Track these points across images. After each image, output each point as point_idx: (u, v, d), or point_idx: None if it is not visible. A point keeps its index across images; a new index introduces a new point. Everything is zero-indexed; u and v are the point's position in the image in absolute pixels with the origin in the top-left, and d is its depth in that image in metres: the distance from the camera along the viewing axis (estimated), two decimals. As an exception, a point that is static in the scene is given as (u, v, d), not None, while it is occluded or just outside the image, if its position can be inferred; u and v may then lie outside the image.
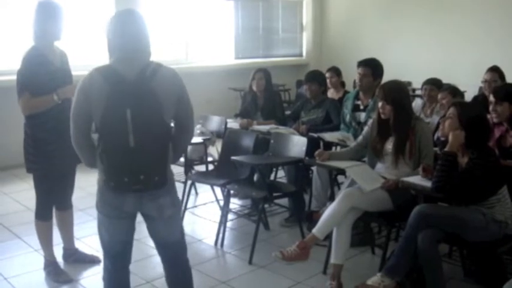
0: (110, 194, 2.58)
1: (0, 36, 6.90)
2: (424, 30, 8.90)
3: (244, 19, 9.40)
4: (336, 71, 6.09)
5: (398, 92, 3.78)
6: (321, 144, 4.26)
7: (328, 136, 4.70)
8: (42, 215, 3.84)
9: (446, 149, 3.16)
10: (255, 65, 9.19)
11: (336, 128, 5.00)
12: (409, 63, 8.86)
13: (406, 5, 9.11)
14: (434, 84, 5.11)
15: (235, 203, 5.31)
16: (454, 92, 4.57)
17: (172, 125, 2.66)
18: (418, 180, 3.37)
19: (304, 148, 4.27)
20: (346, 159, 3.92)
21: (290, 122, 5.37)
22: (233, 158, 4.25)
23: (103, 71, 2.52)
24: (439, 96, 4.68)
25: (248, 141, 4.69)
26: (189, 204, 5.28)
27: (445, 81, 5.35)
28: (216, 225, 4.53)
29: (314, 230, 3.55)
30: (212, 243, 4.47)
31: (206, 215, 5.16)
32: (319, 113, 5.24)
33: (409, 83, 8.17)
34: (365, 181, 3.57)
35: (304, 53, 10.41)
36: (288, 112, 5.73)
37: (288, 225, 4.77)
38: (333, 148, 4.82)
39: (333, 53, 9.93)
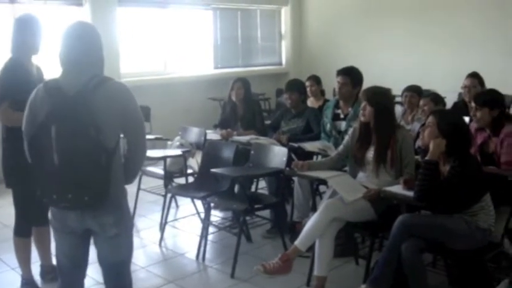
0: (53, 207, 2.56)
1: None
2: (402, 37, 8.92)
3: (222, 28, 9.34)
4: (315, 80, 6.06)
5: (382, 96, 3.77)
6: (292, 155, 4.19)
7: (309, 146, 4.65)
8: (22, 232, 3.75)
9: (427, 157, 3.12)
10: (235, 74, 9.17)
11: (317, 138, 4.95)
12: (389, 70, 8.86)
13: (385, 13, 9.13)
14: (414, 91, 5.10)
15: (216, 216, 5.24)
16: (436, 99, 4.57)
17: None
18: (399, 189, 3.33)
19: (284, 159, 4.21)
20: (327, 169, 3.87)
21: (270, 132, 5.32)
22: (212, 170, 4.17)
23: (48, 85, 2.50)
24: (421, 102, 4.67)
25: (228, 153, 4.63)
26: (170, 218, 5.19)
27: (424, 87, 5.36)
28: (198, 239, 4.45)
29: (296, 242, 3.50)
30: (194, 257, 4.39)
31: (187, 228, 5.08)
32: (299, 123, 5.20)
33: (389, 90, 8.16)
34: (346, 191, 3.53)
35: (283, 62, 10.37)
36: (268, 122, 5.68)
37: (270, 236, 4.71)
38: (314, 158, 4.77)
39: (313, 61, 9.92)
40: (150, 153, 4.90)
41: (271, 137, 5.14)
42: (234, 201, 4.26)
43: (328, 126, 4.83)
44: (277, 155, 4.32)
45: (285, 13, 10.22)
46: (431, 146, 3.13)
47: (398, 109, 5.46)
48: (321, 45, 9.99)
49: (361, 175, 3.83)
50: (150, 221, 5.32)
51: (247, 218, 4.77)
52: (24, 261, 3.79)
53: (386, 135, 3.67)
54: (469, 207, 3.15)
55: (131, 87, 7.16)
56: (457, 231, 3.11)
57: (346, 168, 3.99)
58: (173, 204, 5.62)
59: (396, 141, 3.65)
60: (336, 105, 4.82)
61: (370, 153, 3.73)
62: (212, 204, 4.61)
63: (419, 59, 8.71)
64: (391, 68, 8.88)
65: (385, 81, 7.68)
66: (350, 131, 3.97)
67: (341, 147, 3.96)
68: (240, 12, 9.60)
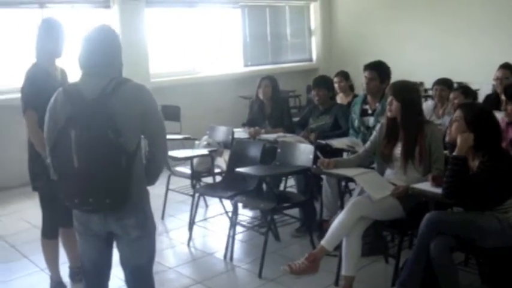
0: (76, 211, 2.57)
1: (1, 54, 6.88)
2: (434, 29, 8.73)
3: (251, 26, 9.31)
4: (344, 75, 5.97)
5: (409, 91, 3.68)
6: (318, 153, 4.11)
7: (337, 142, 4.57)
8: (49, 233, 3.80)
9: (454, 153, 3.02)
10: (264, 72, 9.13)
11: (345, 134, 4.87)
12: (420, 63, 8.70)
13: (414, 5, 8.95)
14: (444, 84, 4.97)
15: (245, 215, 5.20)
16: (466, 91, 4.44)
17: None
18: (428, 186, 3.23)
19: (311, 156, 4.15)
20: (354, 166, 3.79)
21: (298, 130, 5.26)
22: (237, 169, 4.15)
23: (68, 89, 2.53)
24: (451, 96, 4.54)
25: (255, 151, 4.59)
26: (199, 217, 5.21)
27: (457, 80, 5.22)
28: (226, 238, 4.42)
29: (323, 242, 3.44)
30: (222, 257, 4.37)
31: (216, 228, 5.06)
32: (327, 119, 5.12)
33: (421, 84, 8.02)
34: (374, 189, 3.45)
35: (313, 58, 10.29)
36: (296, 119, 5.62)
37: (298, 235, 4.65)
38: (345, 154, 4.68)
39: (343, 56, 9.79)
40: (177, 153, 4.94)
41: (299, 135, 5.08)
42: (261, 200, 4.22)
43: (356, 122, 4.75)
44: (304, 152, 4.26)
45: (314, 8, 10.12)
46: (458, 141, 3.02)
47: (429, 103, 5.35)
48: (351, 40, 9.87)
49: (388, 172, 3.74)
50: (179, 221, 5.32)
51: (276, 216, 4.75)
52: (52, 262, 3.84)
53: (413, 130, 3.57)
54: (501, 203, 3.04)
55: (160, 88, 7.40)
56: (488, 229, 3.00)
57: (374, 165, 3.90)
58: (203, 203, 5.63)
59: (424, 137, 3.55)
60: (364, 101, 4.74)
61: (398, 150, 3.64)
62: (241, 204, 4.58)
63: (451, 51, 8.52)
64: (422, 61, 8.71)
65: (417, 75, 7.62)
66: (377, 127, 3.88)
67: (368, 143, 3.88)
68: (268, 9, 9.56)
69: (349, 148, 4.46)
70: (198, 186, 4.97)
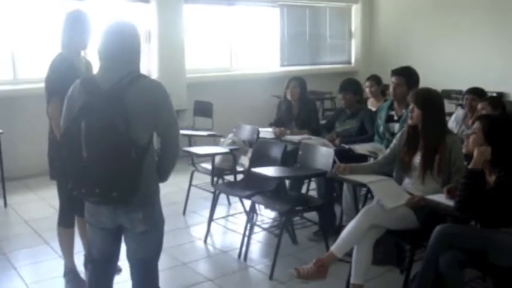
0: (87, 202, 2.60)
1: (24, 45, 7.01)
2: (480, 34, 8.50)
3: (290, 26, 9.27)
4: (375, 80, 5.87)
5: (431, 98, 3.58)
6: (335, 157, 4.03)
7: (359, 148, 4.51)
8: (65, 222, 3.86)
9: (470, 166, 2.92)
10: (301, 72, 9.07)
11: (370, 140, 4.80)
12: (463, 69, 8.49)
13: (459, 10, 8.73)
14: (475, 94, 4.83)
15: (266, 216, 5.18)
16: (494, 102, 4.29)
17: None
18: (442, 198, 3.14)
19: (331, 160, 4.09)
20: (372, 172, 3.72)
21: (324, 133, 5.20)
22: (253, 169, 4.13)
23: (85, 80, 2.57)
24: (479, 106, 4.40)
25: (276, 152, 4.55)
26: (221, 215, 5.23)
27: (501, 89, 5.00)
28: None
29: (332, 248, 3.39)
30: (236, 255, 4.36)
31: (235, 227, 5.06)
32: (353, 123, 5.06)
33: (462, 92, 7.82)
34: (388, 197, 3.38)
35: (352, 60, 10.18)
36: (323, 122, 5.57)
37: (316, 239, 4.60)
38: (370, 159, 4.61)
39: (383, 60, 9.63)
40: (199, 149, 4.96)
41: (325, 138, 5.03)
42: (278, 201, 4.18)
43: (381, 128, 4.66)
44: (324, 156, 4.21)
45: (356, 11, 10.02)
46: (475, 154, 2.92)
47: (459, 112, 5.21)
48: (391, 44, 9.71)
49: (407, 181, 3.65)
50: (200, 217, 5.34)
51: (296, 219, 4.72)
52: (67, 251, 3.90)
53: (434, 139, 3.48)
54: (517, 221, 2.93)
55: (195, 84, 7.48)
56: (503, 246, 2.88)
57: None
58: (225, 201, 5.65)
59: (445, 147, 3.44)
60: (390, 107, 4.65)
61: (417, 159, 3.55)
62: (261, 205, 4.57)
63: (498, 57, 8.26)
64: (466, 67, 8.51)
65: (460, 81, 7.43)
66: (398, 134, 3.80)
67: (388, 150, 3.80)
68: (308, 10, 9.50)
69: (371, 154, 4.39)
70: (217, 184, 4.96)
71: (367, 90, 5.90)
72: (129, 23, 2.63)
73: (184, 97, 8.04)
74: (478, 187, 2.87)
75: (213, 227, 4.91)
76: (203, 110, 7.80)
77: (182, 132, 6.54)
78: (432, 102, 3.53)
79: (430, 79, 8.84)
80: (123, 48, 2.54)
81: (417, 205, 3.32)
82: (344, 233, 3.38)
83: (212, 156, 4.85)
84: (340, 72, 9.83)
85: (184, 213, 5.47)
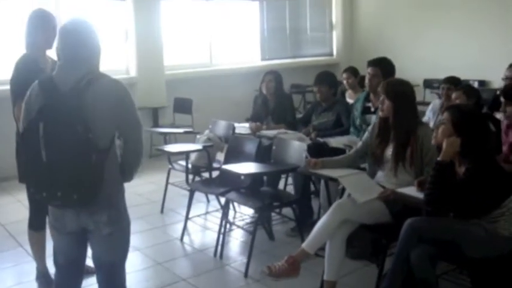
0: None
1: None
2: (460, 24, 8.48)
3: (270, 19, 9.20)
4: (352, 72, 5.81)
5: (402, 89, 3.52)
6: (305, 152, 3.95)
7: (334, 141, 4.44)
8: (35, 225, 3.79)
9: (439, 158, 2.86)
10: (283, 66, 9.07)
11: (346, 132, 4.74)
12: (445, 59, 8.45)
13: (439, 1, 8.70)
14: (452, 83, 4.77)
15: (242, 213, 5.12)
16: (468, 91, 4.23)
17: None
18: (413, 191, 3.08)
19: (304, 155, 4.02)
20: (344, 166, 3.66)
21: (300, 126, 5.14)
22: (223, 166, 4.06)
23: (43, 81, 2.49)
24: (453, 96, 4.33)
25: (250, 148, 4.48)
26: (199, 212, 5.15)
27: (482, 78, 4.92)
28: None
29: (304, 244, 3.33)
30: (212, 254, 4.29)
31: (212, 225, 4.98)
32: (329, 116, 5.00)
33: (409, 83, 7.78)
34: (359, 191, 3.32)
35: (334, 52, 10.12)
36: (299, 116, 5.50)
37: (293, 235, 4.52)
38: (347, 152, 4.53)
39: (365, 51, 9.54)
40: (172, 147, 4.88)
41: (301, 132, 4.97)
42: (251, 197, 4.12)
43: (358, 120, 4.60)
44: (297, 151, 4.14)
45: (336, 2, 9.95)
46: (444, 145, 2.86)
47: (436, 102, 5.17)
48: (373, 35, 9.66)
49: (379, 174, 3.59)
50: (178, 216, 5.26)
51: (274, 215, 4.67)
52: (38, 254, 3.83)
53: (405, 131, 3.42)
54: (488, 212, 2.87)
55: (175, 80, 7.38)
56: (474, 238, 2.83)
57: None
58: (204, 199, 5.57)
59: (417, 139, 3.39)
60: (367, 98, 4.59)
61: (389, 151, 3.49)
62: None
63: (478, 46, 8.25)
64: (448, 57, 8.47)
65: (442, 71, 7.36)
66: (370, 127, 3.74)
67: (359, 143, 3.74)
68: (288, 2, 9.43)
69: (347, 147, 4.31)
70: (191, 182, 4.89)
71: (344, 82, 5.84)
72: (87, 21, 2.55)
73: (164, 94, 7.97)
74: (447, 179, 2.82)
75: (190, 225, 4.86)
76: (183, 106, 7.72)
77: (158, 130, 6.53)
78: (403, 94, 3.48)
79: (412, 69, 8.87)
80: (81, 47, 2.47)
81: (389, 199, 3.27)
82: (315, 228, 3.32)
83: (186, 153, 4.77)
84: (322, 64, 9.73)
85: (162, 211, 5.39)
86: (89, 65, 2.47)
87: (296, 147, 4.17)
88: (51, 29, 3.61)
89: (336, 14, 10.01)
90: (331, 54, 10.11)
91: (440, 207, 2.87)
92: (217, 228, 4.76)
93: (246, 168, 4.02)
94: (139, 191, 6.13)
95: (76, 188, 2.35)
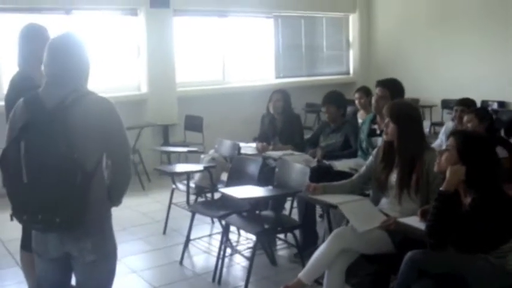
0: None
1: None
2: (480, 44, 8.27)
3: (285, 36, 9.08)
4: (365, 91, 5.64)
5: (407, 112, 3.35)
6: (307, 177, 3.78)
7: (340, 164, 4.26)
8: (28, 245, 3.66)
9: (442, 187, 2.68)
10: (297, 84, 8.95)
11: (354, 155, 4.56)
12: (464, 79, 8.25)
13: (458, 20, 8.50)
14: (465, 105, 4.57)
15: (245, 236, 4.95)
16: (481, 114, 4.02)
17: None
18: (415, 221, 2.89)
19: (306, 178, 3.85)
20: (346, 192, 3.48)
21: (307, 148, 4.97)
22: (221, 189, 3.91)
23: (28, 98, 2.39)
24: (465, 119, 4.13)
25: (253, 169, 4.33)
26: (202, 234, 5.01)
27: (502, 99, 4.68)
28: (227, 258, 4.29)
29: (300, 274, 3.16)
30: (211, 278, 4.13)
31: (214, 248, 4.81)
32: (338, 138, 4.83)
33: (416, 106, 7.57)
34: (360, 219, 3.13)
35: (351, 71, 9.95)
36: (308, 136, 5.34)
37: (297, 261, 4.33)
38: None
39: (382, 70, 9.38)
40: (174, 167, 4.75)
41: (308, 153, 4.80)
42: (251, 222, 3.96)
43: (364, 143, 4.43)
44: (300, 174, 3.97)
45: (353, 21, 9.81)
46: (447, 174, 2.68)
47: (449, 124, 4.97)
48: (391, 54, 9.49)
49: (383, 201, 3.41)
50: (181, 237, 5.06)
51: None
52: (30, 274, 3.70)
53: (411, 156, 3.24)
54: (496, 247, 2.67)
55: (186, 98, 7.27)
56: (478, 274, 2.62)
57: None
58: (209, 220, 5.42)
59: (423, 164, 3.20)
60: (373, 120, 4.41)
61: (394, 177, 3.31)
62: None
63: (496, 69, 8.02)
64: (466, 78, 8.26)
65: (459, 92, 7.17)
66: (374, 150, 3.57)
67: (363, 168, 3.56)
68: (303, 21, 9.32)
69: (352, 171, 4.13)
70: (192, 203, 4.75)
71: (356, 102, 5.68)
72: (75, 36, 2.46)
73: (175, 111, 7.88)
74: (451, 211, 2.62)
75: (191, 247, 4.72)
76: (194, 124, 7.62)
77: (160, 149, 6.42)
78: (408, 116, 3.30)
79: (430, 89, 8.68)
80: (67, 64, 2.37)
81: (391, 228, 3.08)
82: (313, 257, 3.16)
83: (187, 174, 4.64)
84: (338, 83, 9.59)
85: (164, 232, 5.25)
86: (76, 82, 2.37)
87: (299, 170, 4.00)
88: (43, 43, 3.55)
89: (353, 32, 9.87)
90: (347, 73, 9.95)
91: (442, 240, 2.67)
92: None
93: (244, 192, 3.86)
94: (144, 209, 6.03)
95: (58, 211, 2.22)
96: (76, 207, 2.24)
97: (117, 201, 2.54)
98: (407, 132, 3.25)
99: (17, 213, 2.32)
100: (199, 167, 4.77)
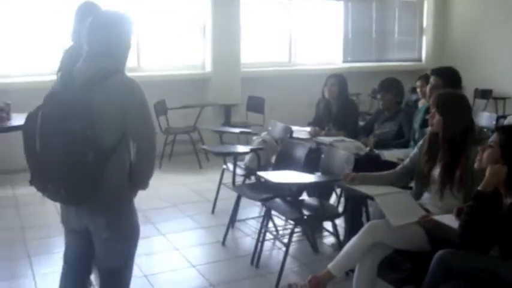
0: None
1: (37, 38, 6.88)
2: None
3: (354, 20, 8.86)
4: (426, 79, 5.34)
5: (455, 104, 3.15)
6: (345, 165, 3.64)
7: (389, 154, 4.11)
8: None
9: (479, 187, 2.51)
10: (365, 69, 8.73)
11: (407, 144, 4.39)
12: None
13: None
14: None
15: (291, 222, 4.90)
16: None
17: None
18: (451, 220, 2.73)
19: (350, 167, 3.73)
20: (386, 184, 3.35)
21: (361, 135, 4.83)
22: (258, 172, 3.87)
23: (63, 72, 2.46)
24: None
25: (300, 154, 4.25)
26: (252, 215, 5.04)
27: None
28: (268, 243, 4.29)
29: (330, 265, 3.08)
30: (250, 261, 4.12)
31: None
32: (392, 126, 4.66)
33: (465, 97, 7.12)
34: (396, 213, 3.00)
35: (423, 58, 9.57)
36: (362, 123, 5.19)
37: (338, 250, 4.25)
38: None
39: (456, 58, 8.97)
40: (222, 148, 4.76)
41: (361, 140, 4.67)
42: (291, 208, 3.89)
43: (416, 134, 4.24)
44: (345, 161, 3.85)
45: (428, 6, 9.40)
46: (487, 173, 2.50)
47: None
48: (466, 42, 9.05)
49: (425, 196, 3.25)
50: (228, 218, 5.11)
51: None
52: None
53: (455, 150, 3.06)
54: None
55: (250, 78, 7.32)
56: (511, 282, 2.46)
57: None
58: (259, 202, 5.39)
59: (467, 159, 3.02)
60: (427, 110, 4.19)
61: (437, 171, 3.15)
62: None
63: None
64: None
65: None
66: (420, 142, 3.40)
67: (407, 160, 3.41)
68: (375, 4, 9.03)
69: (400, 162, 3.97)
70: (237, 185, 4.74)
71: (418, 90, 5.44)
72: (118, 14, 2.47)
73: (238, 92, 7.88)
74: (486, 212, 2.45)
75: (237, 229, 4.76)
76: (256, 105, 7.60)
77: (213, 128, 6.42)
78: (455, 107, 3.12)
79: (505, 80, 8.20)
80: (103, 40, 2.40)
81: (429, 225, 2.93)
82: (344, 249, 3.07)
83: (234, 155, 4.64)
84: (408, 70, 9.26)
85: (213, 212, 5.29)
86: (109, 59, 2.40)
87: (343, 157, 3.89)
88: None
89: (427, 17, 9.47)
90: (419, 60, 9.58)
91: (472, 242, 2.51)
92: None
93: (282, 176, 3.81)
94: (198, 188, 6.10)
95: (65, 185, 2.28)
96: (84, 184, 2.28)
97: (141, 184, 2.55)
98: (453, 125, 3.07)
99: (33, 179, 2.39)
100: (247, 148, 4.75)
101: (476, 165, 2.66)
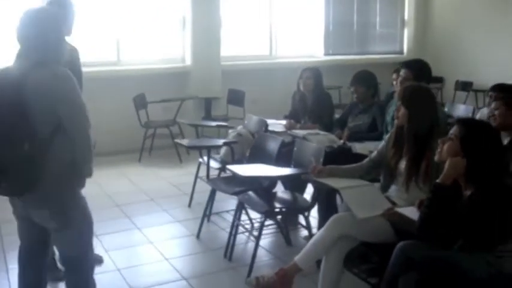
0: None
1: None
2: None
3: (336, 12, 8.85)
4: (403, 72, 5.40)
5: (421, 97, 3.17)
6: (312, 158, 3.64)
7: (360, 147, 4.13)
8: None
9: (438, 179, 2.53)
10: (347, 62, 8.73)
11: (380, 137, 4.40)
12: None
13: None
14: (499, 91, 4.23)
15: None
16: (510, 101, 3.66)
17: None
18: (413, 212, 2.75)
19: (321, 159, 3.75)
20: (354, 176, 3.36)
21: (335, 128, 4.85)
22: (228, 166, 3.88)
23: (2, 68, 2.51)
24: (492, 105, 3.78)
25: (273, 147, 4.27)
26: (228, 208, 5.01)
27: None
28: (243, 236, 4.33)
29: (296, 258, 3.10)
30: (223, 255, 4.13)
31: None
32: (365, 119, 4.68)
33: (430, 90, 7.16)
34: (360, 206, 3.01)
35: (405, 50, 9.59)
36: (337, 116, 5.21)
37: (310, 243, 4.28)
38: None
39: (438, 50, 9.05)
40: (195, 141, 4.76)
41: (335, 133, 4.69)
42: (261, 201, 3.90)
43: (389, 127, 4.26)
44: (316, 155, 3.86)
45: (409, -2, 9.42)
46: (446, 166, 2.52)
47: (484, 111, 4.68)
48: (447, 35, 9.08)
49: (392, 188, 3.27)
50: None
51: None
52: None
53: (420, 143, 3.08)
54: (493, 247, 2.50)
55: (230, 72, 7.34)
56: (473, 274, 2.45)
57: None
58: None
59: (433, 152, 3.03)
60: (399, 103, 4.22)
61: (403, 164, 3.17)
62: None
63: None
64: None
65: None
66: (387, 135, 3.42)
67: (374, 153, 3.42)
68: (356, -4, 9.04)
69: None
70: (210, 178, 4.74)
71: (394, 83, 5.46)
72: (46, 9, 2.60)
73: (219, 85, 7.87)
74: (444, 204, 2.47)
75: (212, 223, 4.77)
76: (236, 98, 7.60)
77: (190, 122, 6.39)
78: (420, 101, 3.14)
79: (486, 72, 8.25)
80: (33, 35, 2.44)
81: (394, 218, 2.95)
82: (310, 242, 3.08)
83: (207, 148, 4.65)
84: (390, 62, 9.25)
85: (189, 205, 5.29)
86: (41, 53, 2.43)
87: (314, 150, 3.90)
88: (70, 15, 3.65)
89: (408, 10, 9.48)
90: (401, 53, 9.60)
91: (431, 235, 2.52)
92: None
93: (250, 170, 3.82)
94: (176, 181, 6.09)
95: (4, 176, 2.33)
96: (21, 175, 2.33)
97: (85, 171, 2.57)
98: (418, 118, 3.09)
99: None
100: (220, 142, 4.76)
101: (436, 157, 2.68)
